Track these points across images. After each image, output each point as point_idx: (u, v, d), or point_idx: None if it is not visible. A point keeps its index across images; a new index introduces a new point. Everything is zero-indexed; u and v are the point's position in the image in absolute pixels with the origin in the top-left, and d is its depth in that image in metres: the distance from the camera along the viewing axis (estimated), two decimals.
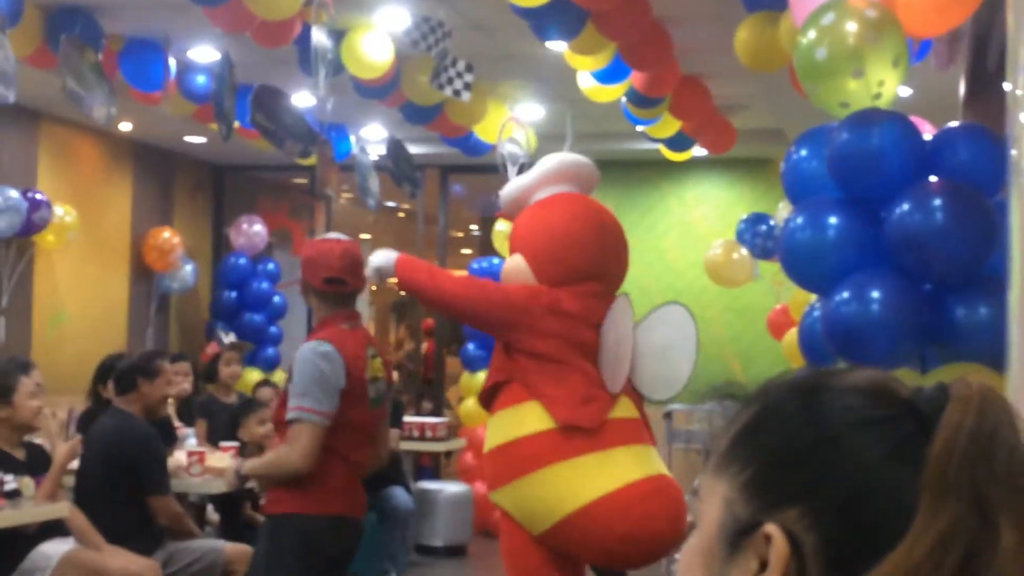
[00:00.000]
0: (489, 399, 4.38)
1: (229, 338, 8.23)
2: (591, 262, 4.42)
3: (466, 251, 14.03)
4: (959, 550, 0.81)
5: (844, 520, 0.86)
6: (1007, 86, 2.14)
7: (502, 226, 9.65)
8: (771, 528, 0.86)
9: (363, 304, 13.05)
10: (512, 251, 4.46)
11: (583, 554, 4.40)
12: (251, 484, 6.37)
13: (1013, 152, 2.09)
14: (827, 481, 0.87)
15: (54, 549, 5.05)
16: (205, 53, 6.96)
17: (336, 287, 4.24)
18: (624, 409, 4.40)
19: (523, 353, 4.27)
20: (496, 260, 9.67)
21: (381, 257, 4.36)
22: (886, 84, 3.53)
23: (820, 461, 0.88)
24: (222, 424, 7.18)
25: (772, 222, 8.00)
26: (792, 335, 6.35)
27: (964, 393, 0.87)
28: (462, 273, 10.28)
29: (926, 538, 0.82)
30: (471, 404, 8.96)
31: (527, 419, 4.21)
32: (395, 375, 11.72)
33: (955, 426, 0.85)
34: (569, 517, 4.17)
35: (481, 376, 8.01)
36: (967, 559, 0.81)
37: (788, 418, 0.91)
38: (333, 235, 4.43)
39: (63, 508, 5.02)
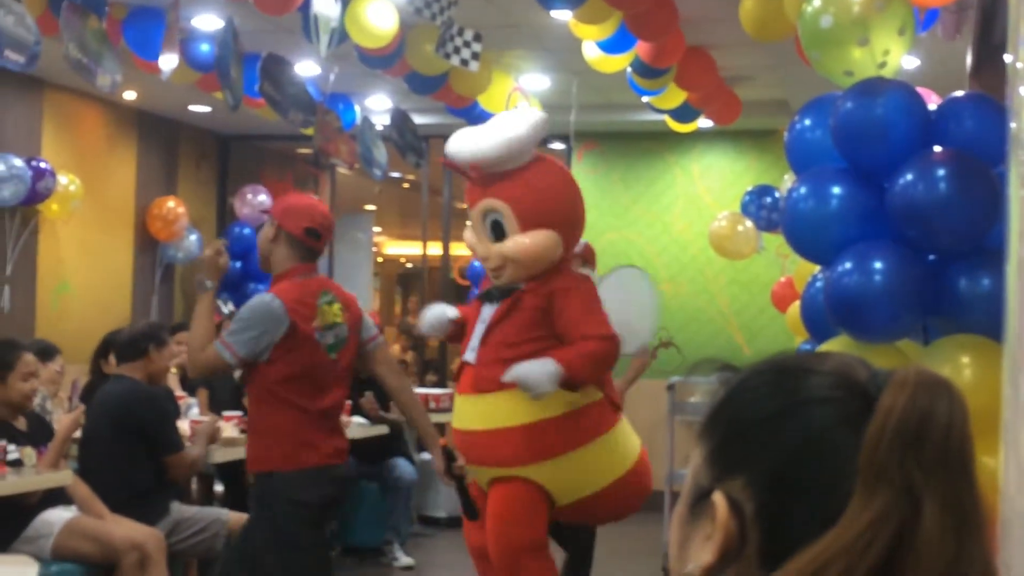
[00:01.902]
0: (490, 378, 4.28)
1: (228, 308, 8.21)
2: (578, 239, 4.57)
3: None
4: (888, 533, 0.84)
5: (776, 488, 0.90)
6: (1008, 58, 2.11)
7: None
8: (716, 496, 0.92)
9: (367, 275, 13.03)
10: (531, 225, 4.28)
11: (601, 517, 4.56)
12: None
13: (1012, 125, 2.07)
14: (766, 451, 0.92)
15: (57, 516, 5.06)
16: (209, 21, 6.93)
17: (311, 240, 4.31)
18: None
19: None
20: None
21: (537, 377, 4.11)
22: (891, 53, 3.50)
23: (764, 433, 0.93)
24: (225, 393, 7.20)
25: (777, 194, 7.97)
26: (796, 307, 6.33)
27: (900, 379, 0.89)
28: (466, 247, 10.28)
29: (859, 520, 0.85)
30: None
31: (581, 392, 4.26)
32: (397, 348, 11.71)
33: (886, 411, 0.87)
34: (610, 485, 4.33)
35: None
36: (896, 540, 0.85)
37: (749, 393, 0.96)
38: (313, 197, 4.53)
39: (66, 476, 5.04)
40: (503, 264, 4.33)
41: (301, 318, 4.21)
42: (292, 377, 4.22)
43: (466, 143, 4.36)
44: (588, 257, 6.24)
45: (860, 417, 0.89)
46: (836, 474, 0.88)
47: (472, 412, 4.34)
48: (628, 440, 4.46)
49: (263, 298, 4.25)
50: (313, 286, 4.31)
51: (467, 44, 6.21)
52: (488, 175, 4.35)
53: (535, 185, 4.32)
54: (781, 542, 0.89)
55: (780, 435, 0.92)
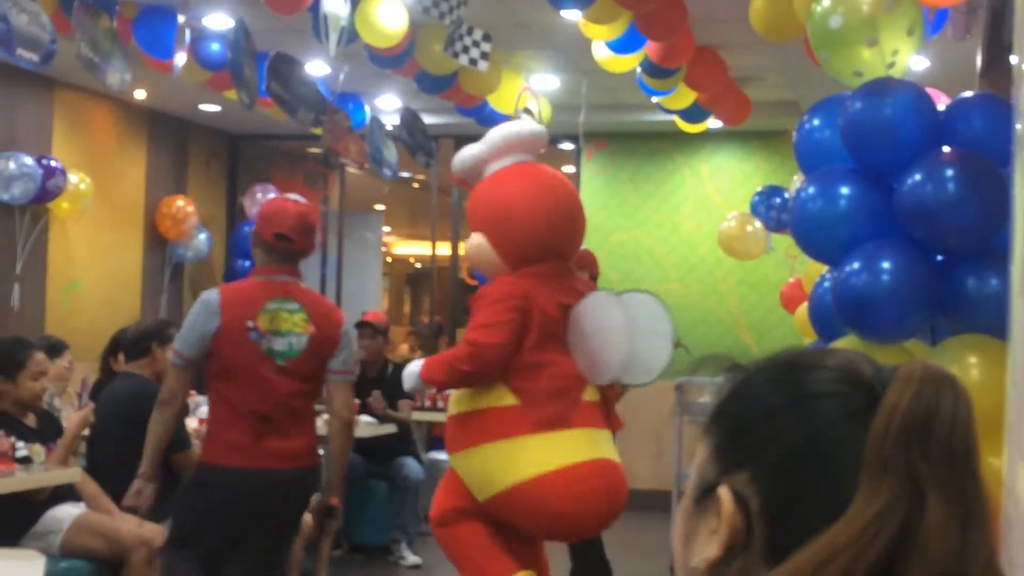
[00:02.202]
0: None
1: None
2: (553, 240, 4.40)
3: None
4: (893, 526, 0.85)
5: (782, 483, 0.91)
6: (1014, 59, 2.12)
7: None
8: (722, 490, 0.93)
9: (377, 274, 13.04)
10: (472, 228, 4.44)
11: (520, 524, 4.55)
12: None
13: (1018, 126, 2.08)
14: (770, 445, 0.92)
15: (65, 512, 5.08)
16: (219, 20, 6.94)
17: (284, 244, 4.36)
18: (588, 393, 4.49)
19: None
20: None
21: (406, 373, 4.40)
22: (900, 53, 3.50)
23: (768, 427, 0.93)
24: None
25: (786, 195, 7.96)
26: (805, 308, 6.33)
27: (906, 374, 0.90)
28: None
29: (864, 513, 0.86)
30: None
31: (486, 394, 4.32)
32: (406, 347, 11.71)
33: (892, 406, 0.88)
34: (508, 490, 4.29)
35: None
36: (902, 533, 0.85)
37: (756, 389, 0.97)
38: (293, 196, 4.56)
39: (75, 473, 5.06)
40: None
41: (235, 316, 4.25)
42: (223, 373, 4.28)
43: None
44: (586, 264, 6.27)
45: (865, 412, 0.90)
46: (841, 468, 0.89)
47: None
48: (540, 454, 4.31)
49: (204, 294, 4.37)
50: (270, 288, 4.34)
51: (476, 44, 6.21)
52: None
53: (475, 192, 4.48)
54: (787, 535, 0.89)
55: (786, 429, 0.92)
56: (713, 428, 0.98)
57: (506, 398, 4.29)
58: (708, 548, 0.93)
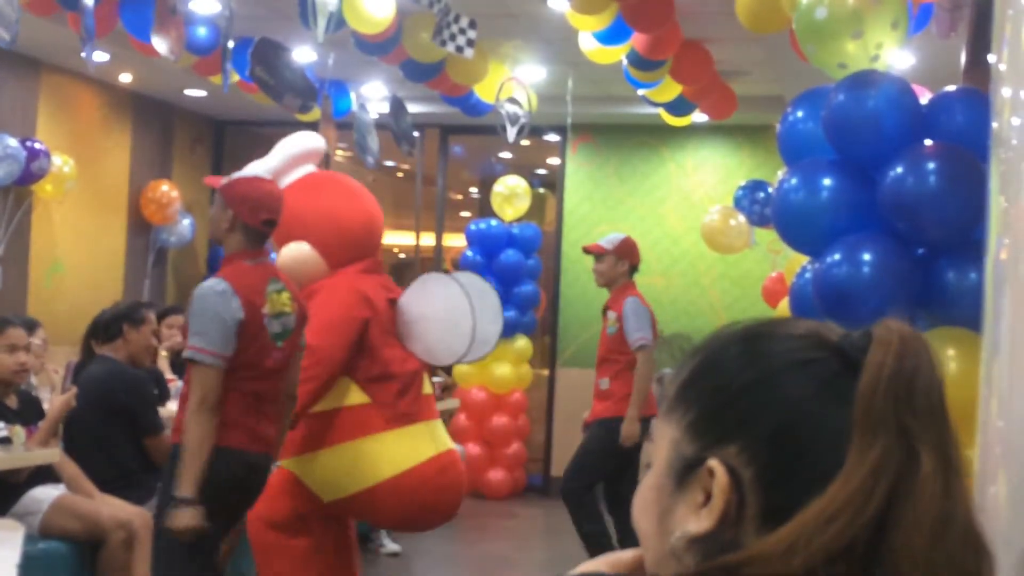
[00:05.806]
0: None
1: None
2: (370, 239, 4.78)
3: (465, 213, 14.00)
4: (889, 478, 0.88)
5: (776, 452, 0.93)
6: (991, 58, 2.15)
7: (500, 187, 9.63)
8: (713, 463, 0.94)
9: None
10: (288, 238, 4.60)
11: (376, 520, 4.68)
12: None
13: (994, 124, 2.11)
14: (759, 417, 0.95)
15: (45, 494, 5.07)
16: (206, 5, 6.92)
17: (270, 228, 4.26)
18: (426, 385, 4.74)
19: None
20: (494, 222, 9.67)
21: None
22: (884, 46, 3.52)
23: (753, 399, 0.96)
24: None
25: (770, 189, 7.98)
26: (787, 303, 6.35)
27: (885, 336, 0.94)
28: (459, 238, 10.31)
29: (860, 470, 0.89)
30: (465, 365, 8.97)
31: (335, 394, 4.44)
32: None
33: (878, 366, 0.92)
34: (367, 491, 4.46)
35: None
36: (895, 485, 0.89)
37: (728, 362, 0.99)
38: (256, 173, 4.37)
39: (55, 454, 5.04)
40: None
41: (253, 304, 4.12)
42: (241, 366, 4.10)
43: None
44: (623, 253, 6.29)
45: (841, 376, 0.94)
46: (827, 431, 0.92)
47: None
48: (396, 452, 4.50)
49: (212, 284, 4.15)
50: (263, 271, 4.22)
51: (462, 31, 6.22)
52: None
53: (296, 200, 4.74)
54: (781, 502, 0.92)
55: (770, 400, 0.95)
56: (685, 405, 0.99)
57: (356, 396, 4.43)
58: (694, 522, 0.95)
